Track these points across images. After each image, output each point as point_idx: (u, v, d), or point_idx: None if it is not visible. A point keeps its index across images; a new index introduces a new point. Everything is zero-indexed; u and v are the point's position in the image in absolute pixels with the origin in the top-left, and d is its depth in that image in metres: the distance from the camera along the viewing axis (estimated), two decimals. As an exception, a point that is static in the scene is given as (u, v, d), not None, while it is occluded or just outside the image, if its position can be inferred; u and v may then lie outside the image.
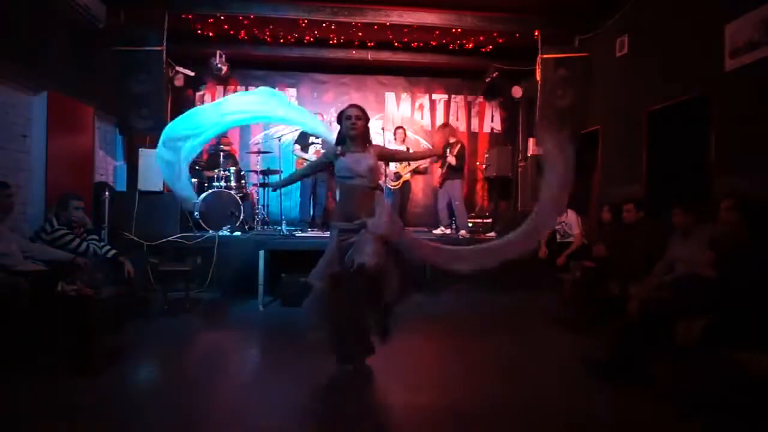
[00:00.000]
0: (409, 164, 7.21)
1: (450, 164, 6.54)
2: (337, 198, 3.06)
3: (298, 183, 6.99)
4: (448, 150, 6.67)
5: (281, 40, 7.17)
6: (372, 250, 2.69)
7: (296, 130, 7.05)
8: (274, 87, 8.11)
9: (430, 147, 7.99)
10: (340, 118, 2.97)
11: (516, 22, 6.35)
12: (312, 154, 6.62)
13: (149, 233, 5.37)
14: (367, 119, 2.99)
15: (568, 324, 4.24)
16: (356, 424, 2.47)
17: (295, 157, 6.88)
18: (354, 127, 2.90)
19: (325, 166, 3.15)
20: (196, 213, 5.82)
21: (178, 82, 7.26)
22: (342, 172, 2.91)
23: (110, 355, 3.20)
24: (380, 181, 3.19)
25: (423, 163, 7.58)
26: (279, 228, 5.92)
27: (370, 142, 3.03)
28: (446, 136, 6.72)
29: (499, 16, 6.30)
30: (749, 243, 2.86)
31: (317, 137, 6.63)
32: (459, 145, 6.61)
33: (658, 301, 3.04)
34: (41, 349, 2.99)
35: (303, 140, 6.71)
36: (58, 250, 3.67)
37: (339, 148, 2.96)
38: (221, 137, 7.47)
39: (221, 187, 6.14)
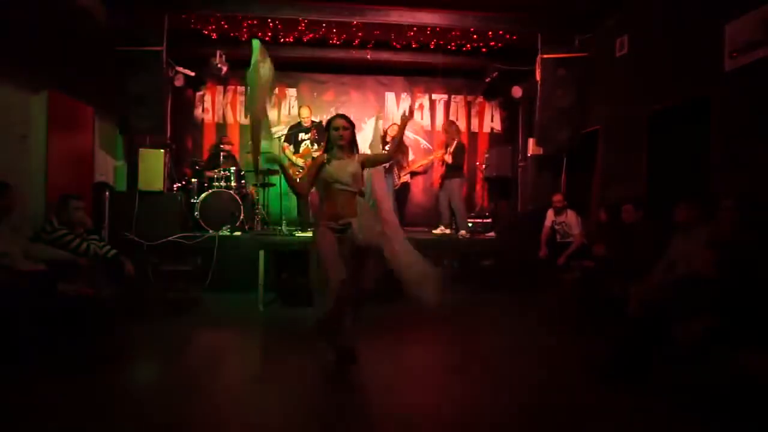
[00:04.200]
0: (408, 165, 7.21)
1: (447, 162, 6.53)
2: (323, 200, 3.26)
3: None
4: (447, 149, 6.67)
5: (281, 40, 7.16)
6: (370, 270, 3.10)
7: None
8: (274, 87, 8.14)
9: (432, 154, 7.94)
10: (328, 127, 3.20)
11: (516, 22, 6.35)
12: (302, 153, 6.55)
13: (149, 233, 5.37)
14: (354, 128, 3.23)
15: (568, 324, 4.24)
16: (354, 424, 2.48)
17: (285, 157, 6.58)
18: (341, 137, 3.14)
19: (316, 172, 3.22)
20: (196, 212, 5.83)
21: (178, 82, 7.26)
22: (327, 177, 3.11)
23: (110, 355, 3.21)
24: (363, 187, 3.43)
25: (421, 167, 7.63)
26: (279, 228, 5.92)
27: (357, 150, 3.27)
28: (452, 136, 6.71)
29: (499, 16, 6.29)
30: (749, 243, 2.86)
31: (306, 134, 6.56)
32: (456, 143, 6.61)
33: (658, 301, 3.05)
34: (41, 349, 2.99)
35: (293, 138, 6.60)
36: (59, 250, 3.67)
37: (326, 155, 3.18)
38: (223, 137, 7.50)
39: (221, 187, 6.14)
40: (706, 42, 4.24)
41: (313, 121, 6.69)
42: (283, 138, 6.66)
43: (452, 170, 6.59)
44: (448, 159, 6.52)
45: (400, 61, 7.66)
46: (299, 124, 6.68)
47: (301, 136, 6.57)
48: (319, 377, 3.00)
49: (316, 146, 6.48)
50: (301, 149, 6.55)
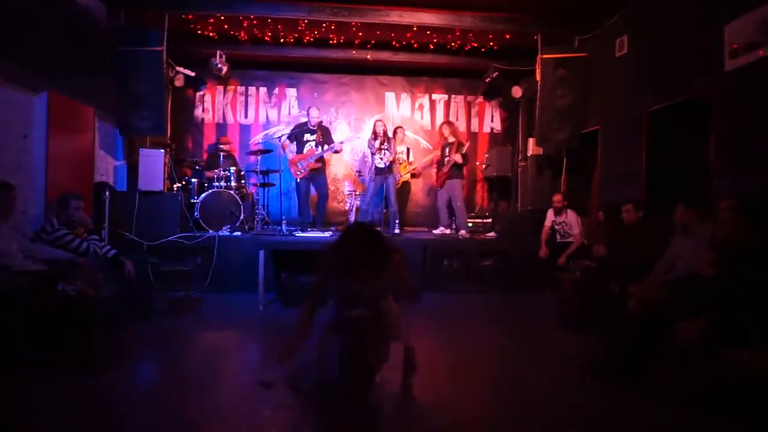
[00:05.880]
0: (409, 164, 7.22)
1: (455, 162, 6.51)
2: (334, 338, 2.49)
3: (294, 184, 6.93)
4: (447, 149, 6.67)
5: (281, 40, 7.17)
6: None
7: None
8: (274, 87, 8.15)
9: (431, 154, 7.88)
10: (339, 253, 2.45)
11: (516, 22, 6.35)
12: (306, 154, 6.53)
13: (149, 233, 5.37)
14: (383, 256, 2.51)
15: (568, 324, 4.24)
16: (354, 423, 2.47)
17: (286, 156, 6.66)
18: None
19: (323, 283, 2.56)
20: (196, 212, 5.84)
21: (178, 82, 7.26)
22: (343, 295, 2.30)
23: (110, 355, 3.21)
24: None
25: (420, 167, 7.66)
26: (279, 228, 5.93)
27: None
28: (447, 136, 6.71)
29: (499, 16, 6.29)
30: (749, 243, 2.86)
31: (312, 135, 6.56)
32: (467, 145, 6.65)
33: (658, 301, 3.05)
34: (42, 349, 2.99)
35: (298, 137, 6.59)
36: (59, 250, 3.68)
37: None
38: (221, 137, 7.52)
39: (221, 187, 6.15)
40: (706, 42, 4.24)
41: (319, 123, 6.69)
42: (284, 137, 6.68)
43: (457, 170, 6.60)
44: (459, 159, 6.50)
45: (400, 61, 7.66)
46: (305, 123, 6.69)
47: (307, 137, 6.58)
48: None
49: (319, 148, 6.49)
50: (305, 150, 6.55)
